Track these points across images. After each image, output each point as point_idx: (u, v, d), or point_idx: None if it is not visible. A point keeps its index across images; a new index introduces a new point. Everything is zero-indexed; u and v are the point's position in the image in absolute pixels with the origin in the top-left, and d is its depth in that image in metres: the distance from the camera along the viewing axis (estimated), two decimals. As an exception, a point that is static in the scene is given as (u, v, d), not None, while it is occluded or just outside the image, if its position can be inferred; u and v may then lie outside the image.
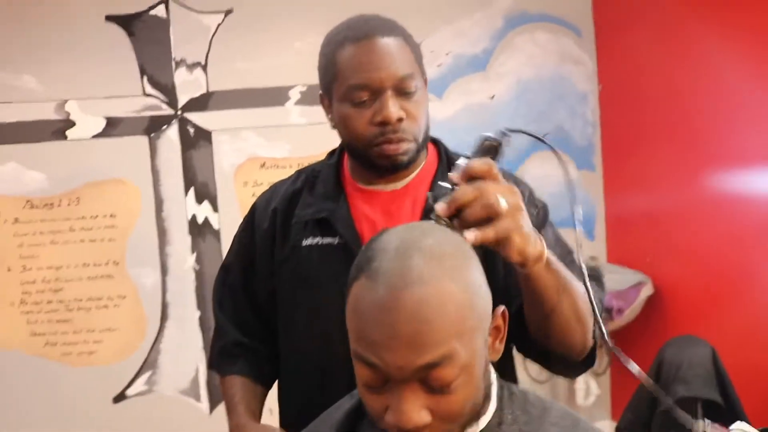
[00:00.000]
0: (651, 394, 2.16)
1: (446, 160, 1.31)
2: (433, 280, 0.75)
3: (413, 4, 2.89)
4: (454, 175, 0.91)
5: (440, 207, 0.88)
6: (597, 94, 3.27)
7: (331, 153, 1.39)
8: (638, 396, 2.30)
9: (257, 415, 1.37)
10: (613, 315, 2.77)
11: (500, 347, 0.85)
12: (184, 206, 3.00)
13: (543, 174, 3.23)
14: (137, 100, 2.94)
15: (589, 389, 3.05)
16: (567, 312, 1.01)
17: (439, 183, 0.94)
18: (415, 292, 0.74)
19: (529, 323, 1.08)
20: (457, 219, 0.88)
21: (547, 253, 0.94)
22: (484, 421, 0.85)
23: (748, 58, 2.42)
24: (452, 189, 0.90)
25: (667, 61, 2.81)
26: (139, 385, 3.02)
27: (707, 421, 1.73)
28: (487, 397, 0.84)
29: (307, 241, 1.28)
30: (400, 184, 1.27)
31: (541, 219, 1.22)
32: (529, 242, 0.90)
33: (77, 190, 2.91)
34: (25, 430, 2.93)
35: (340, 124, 1.24)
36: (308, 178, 1.35)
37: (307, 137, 2.93)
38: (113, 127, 2.92)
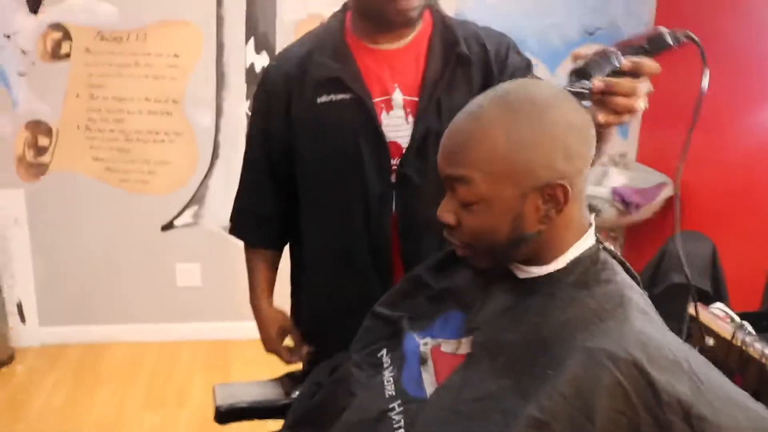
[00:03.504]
0: (650, 274, 2.36)
1: (440, 22, 1.41)
2: (485, 120, 0.90)
3: None
4: (625, 62, 0.94)
5: (599, 82, 0.92)
6: (657, -7, 3.24)
7: (333, 17, 1.48)
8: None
9: (273, 290, 1.61)
10: (631, 210, 2.94)
11: (553, 216, 0.91)
12: (243, 54, 3.13)
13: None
14: (207, -57, 3.01)
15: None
16: None
17: (598, 59, 0.94)
18: (466, 122, 0.92)
19: None
20: (600, 97, 0.93)
21: None
22: (538, 270, 0.95)
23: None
24: (612, 73, 0.93)
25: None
26: (187, 217, 3.27)
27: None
28: (514, 246, 0.93)
29: (322, 99, 1.37)
30: (403, 42, 1.38)
31: (525, 69, 1.38)
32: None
33: (145, 27, 3.04)
34: (79, 245, 3.23)
35: None
36: (315, 42, 1.43)
37: None
38: (183, -33, 3.01)
